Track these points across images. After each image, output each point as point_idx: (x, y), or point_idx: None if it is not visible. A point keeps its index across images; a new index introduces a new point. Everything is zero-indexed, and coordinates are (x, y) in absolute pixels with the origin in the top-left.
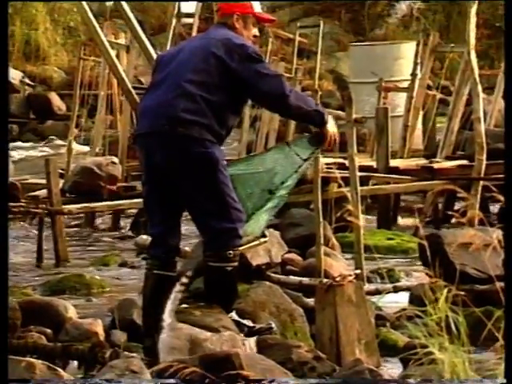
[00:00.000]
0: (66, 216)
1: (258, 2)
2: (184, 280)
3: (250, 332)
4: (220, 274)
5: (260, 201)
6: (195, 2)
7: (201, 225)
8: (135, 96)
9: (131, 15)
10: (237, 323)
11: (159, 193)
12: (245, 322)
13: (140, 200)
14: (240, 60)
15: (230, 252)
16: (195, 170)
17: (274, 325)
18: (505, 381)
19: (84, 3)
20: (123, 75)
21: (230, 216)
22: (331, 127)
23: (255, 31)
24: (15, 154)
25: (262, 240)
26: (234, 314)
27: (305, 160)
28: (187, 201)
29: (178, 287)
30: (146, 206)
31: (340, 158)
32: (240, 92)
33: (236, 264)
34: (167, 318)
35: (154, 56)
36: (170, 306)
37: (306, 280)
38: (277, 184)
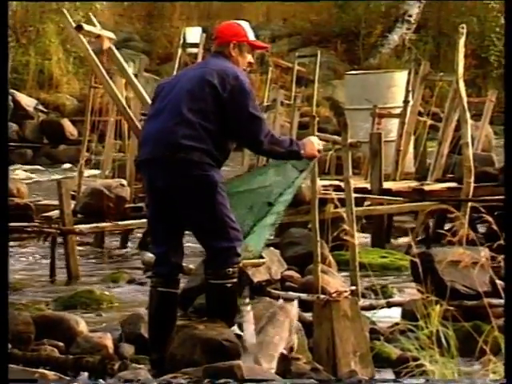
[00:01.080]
0: (77, 236)
1: (251, 30)
2: (246, 300)
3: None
4: (220, 290)
5: (260, 213)
6: (199, 34)
7: (202, 244)
8: (137, 123)
9: (123, 62)
10: (238, 336)
11: (162, 214)
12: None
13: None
14: (231, 90)
15: (229, 269)
16: (195, 192)
17: None
18: (505, 381)
19: (84, 41)
20: (124, 103)
21: (228, 236)
22: (309, 149)
23: (250, 58)
24: (29, 177)
25: (262, 261)
26: (236, 328)
27: (301, 171)
28: (188, 221)
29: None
30: (150, 226)
31: (336, 180)
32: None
33: (235, 280)
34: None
35: (148, 99)
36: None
37: (304, 296)
38: (275, 195)
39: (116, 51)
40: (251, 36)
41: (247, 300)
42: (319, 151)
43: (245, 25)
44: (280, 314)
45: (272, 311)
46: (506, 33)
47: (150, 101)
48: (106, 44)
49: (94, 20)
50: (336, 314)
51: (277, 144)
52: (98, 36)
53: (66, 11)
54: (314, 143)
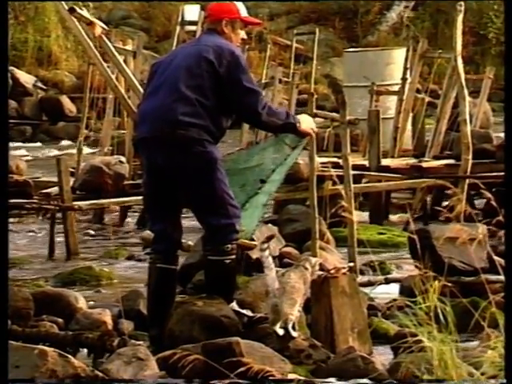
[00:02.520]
0: (76, 212)
1: (243, 7)
2: (264, 246)
3: (249, 322)
4: (219, 266)
5: (253, 190)
6: (198, 11)
7: (200, 220)
8: (129, 102)
9: (114, 51)
10: (237, 313)
11: (160, 192)
12: (244, 311)
13: None
14: (228, 66)
15: (228, 246)
16: (195, 169)
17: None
18: (505, 381)
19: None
20: (115, 83)
21: (227, 212)
22: (306, 125)
23: (243, 34)
24: (28, 154)
25: (253, 243)
26: (234, 304)
27: (293, 148)
28: (187, 198)
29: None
30: (147, 204)
31: (334, 157)
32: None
33: (234, 257)
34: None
35: (140, 89)
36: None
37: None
38: (268, 172)
39: (107, 41)
40: (243, 12)
41: (265, 245)
42: (314, 130)
43: (236, 1)
44: (305, 263)
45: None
46: (506, 33)
47: (141, 89)
48: (98, 31)
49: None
50: (334, 291)
51: (274, 115)
52: (90, 23)
53: None
54: (311, 120)
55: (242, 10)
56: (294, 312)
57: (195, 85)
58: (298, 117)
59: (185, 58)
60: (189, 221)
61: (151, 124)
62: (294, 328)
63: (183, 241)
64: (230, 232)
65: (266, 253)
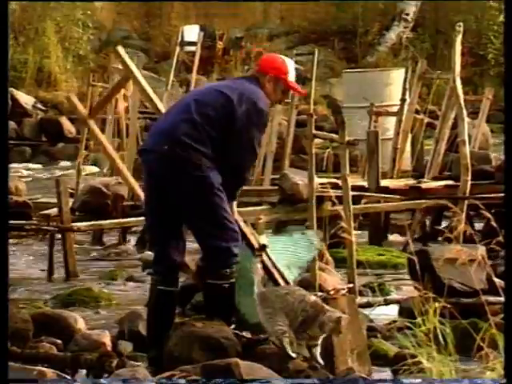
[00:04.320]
0: (75, 233)
1: (294, 70)
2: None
3: (249, 343)
4: (218, 290)
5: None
6: (197, 32)
7: (199, 242)
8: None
9: (130, 63)
10: (236, 335)
11: (159, 210)
12: (244, 333)
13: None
14: (247, 113)
15: (227, 270)
16: (191, 192)
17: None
18: (505, 381)
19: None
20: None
21: (225, 236)
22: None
23: (283, 97)
24: (28, 175)
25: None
26: (233, 326)
27: None
28: (185, 219)
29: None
30: (148, 222)
31: (333, 178)
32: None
33: (233, 281)
34: (255, 290)
35: (160, 106)
36: (255, 278)
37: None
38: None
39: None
40: (291, 76)
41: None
42: None
43: (289, 63)
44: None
45: None
46: (505, 34)
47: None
48: None
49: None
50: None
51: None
52: None
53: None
54: None
55: (291, 74)
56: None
57: (206, 113)
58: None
59: (209, 89)
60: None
61: (155, 138)
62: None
63: None
64: (228, 256)
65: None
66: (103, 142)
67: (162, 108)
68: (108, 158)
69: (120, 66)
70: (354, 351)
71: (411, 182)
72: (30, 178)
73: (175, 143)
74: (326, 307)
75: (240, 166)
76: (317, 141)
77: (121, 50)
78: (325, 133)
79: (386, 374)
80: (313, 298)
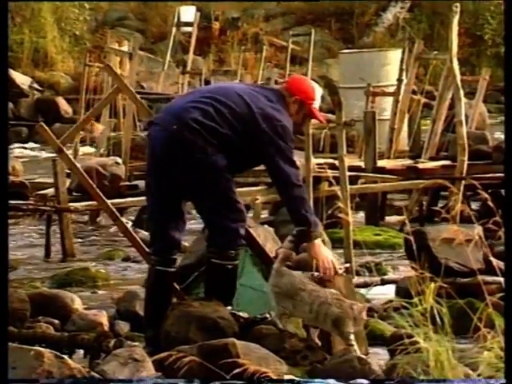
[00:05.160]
0: (72, 213)
1: (320, 98)
2: (290, 238)
3: (245, 323)
4: (221, 270)
5: None
6: (193, 13)
7: (206, 221)
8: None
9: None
10: (233, 314)
11: (159, 187)
12: (241, 313)
13: (142, 198)
14: (274, 130)
15: (232, 252)
16: (197, 175)
17: (268, 315)
18: (505, 381)
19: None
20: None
21: (232, 217)
22: (322, 251)
23: (303, 120)
24: (25, 155)
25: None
26: (230, 307)
27: None
28: (192, 200)
29: (287, 243)
30: (148, 201)
31: (330, 158)
32: (252, 153)
33: (237, 262)
34: (276, 264)
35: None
36: (280, 255)
37: (298, 273)
38: None
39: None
40: (316, 104)
41: None
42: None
43: (318, 91)
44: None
45: None
46: (506, 32)
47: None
48: None
49: None
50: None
51: (306, 204)
52: None
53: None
54: (328, 251)
55: (317, 102)
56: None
57: (223, 113)
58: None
59: (231, 91)
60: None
61: (166, 115)
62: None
63: None
64: (234, 237)
65: None
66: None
67: (154, 115)
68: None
69: (117, 46)
70: None
71: (408, 162)
72: (26, 159)
73: (184, 125)
74: (346, 300)
75: (287, 180)
76: (313, 121)
77: (111, 66)
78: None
79: (382, 353)
80: (333, 296)
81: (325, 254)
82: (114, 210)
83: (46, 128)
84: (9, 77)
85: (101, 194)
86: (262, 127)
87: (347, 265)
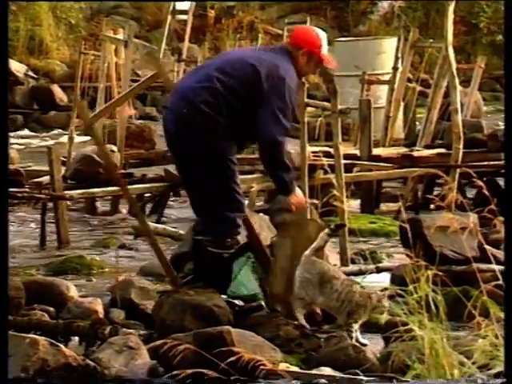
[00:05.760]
0: (67, 201)
1: (326, 43)
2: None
3: (241, 311)
4: (216, 259)
5: None
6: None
7: (205, 208)
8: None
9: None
10: (229, 302)
11: (179, 169)
12: (236, 301)
13: (137, 186)
14: (272, 85)
15: (229, 240)
16: (203, 159)
17: (263, 303)
18: (505, 380)
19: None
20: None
21: (232, 206)
22: (295, 199)
23: (315, 70)
24: (20, 143)
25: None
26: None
27: None
28: (196, 183)
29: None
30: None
31: (326, 146)
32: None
33: (232, 251)
34: (307, 251)
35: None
36: (313, 244)
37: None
38: None
39: None
40: (324, 49)
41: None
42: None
43: (323, 36)
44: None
45: None
46: (506, 32)
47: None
48: None
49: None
50: (298, 234)
51: (288, 167)
52: None
53: None
54: (302, 196)
55: (324, 47)
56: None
57: (230, 85)
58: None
59: (237, 58)
60: (180, 210)
61: (176, 99)
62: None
63: (174, 229)
64: (232, 226)
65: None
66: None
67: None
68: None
69: (112, 34)
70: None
71: (403, 150)
72: (22, 146)
73: (194, 109)
74: (365, 291)
75: (267, 139)
76: (309, 109)
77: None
78: (317, 101)
79: (377, 340)
80: (358, 286)
81: (298, 198)
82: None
83: (84, 105)
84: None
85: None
86: (264, 86)
87: (315, 201)
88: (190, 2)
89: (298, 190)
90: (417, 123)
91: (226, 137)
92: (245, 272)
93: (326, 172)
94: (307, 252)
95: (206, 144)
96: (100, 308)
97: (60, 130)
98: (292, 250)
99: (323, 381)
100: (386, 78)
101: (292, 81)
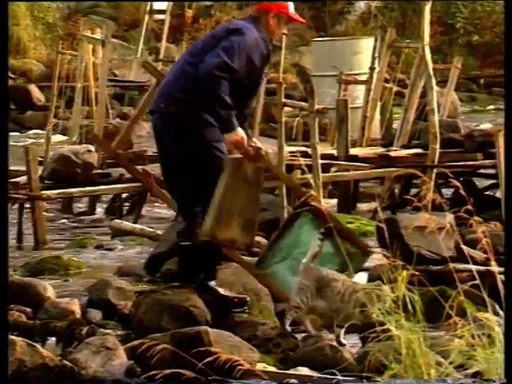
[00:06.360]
0: (44, 201)
1: (292, 3)
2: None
3: (224, 301)
4: (207, 247)
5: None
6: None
7: (190, 209)
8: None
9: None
10: (213, 290)
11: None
12: (220, 290)
13: (114, 186)
14: (226, 37)
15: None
16: (187, 149)
17: (247, 297)
18: (505, 380)
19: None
20: None
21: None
22: (234, 137)
23: (285, 30)
24: None
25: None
26: (213, 283)
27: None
28: (180, 181)
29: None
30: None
31: (303, 146)
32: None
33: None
34: (305, 260)
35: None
36: (310, 251)
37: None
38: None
39: None
40: (291, 9)
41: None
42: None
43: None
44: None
45: None
46: (506, 32)
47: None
48: None
49: None
50: (234, 172)
51: (225, 101)
52: None
53: None
54: (243, 137)
55: (291, 7)
56: None
57: (195, 62)
58: (239, 129)
59: (206, 36)
60: (157, 210)
61: (156, 99)
62: None
63: (151, 230)
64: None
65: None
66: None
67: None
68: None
69: (89, 34)
70: (241, 216)
71: (380, 150)
72: None
73: (170, 100)
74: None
75: (202, 71)
76: (286, 109)
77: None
78: (294, 101)
79: (354, 340)
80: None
81: (236, 137)
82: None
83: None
84: None
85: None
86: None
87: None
88: (167, 2)
89: (239, 130)
90: (394, 123)
91: (206, 118)
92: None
93: (303, 172)
94: (306, 259)
95: (186, 134)
96: (77, 308)
97: (37, 130)
98: (225, 188)
99: (293, 381)
100: (363, 78)
101: (250, 39)
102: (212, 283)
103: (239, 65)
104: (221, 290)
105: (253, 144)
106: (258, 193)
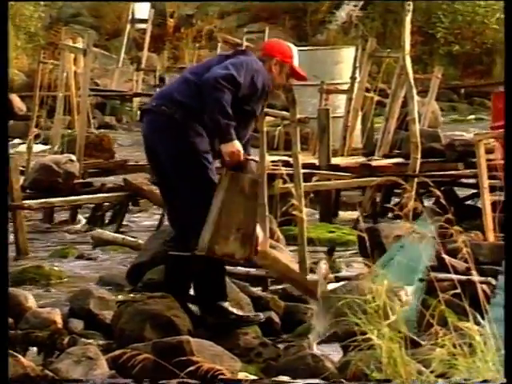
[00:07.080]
0: (26, 211)
1: (297, 56)
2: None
3: (238, 320)
4: (187, 263)
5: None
6: (148, 9)
7: (180, 217)
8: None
9: None
10: (225, 309)
11: (155, 170)
12: (234, 310)
13: (97, 196)
14: (233, 54)
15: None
16: (175, 159)
17: (261, 315)
18: (505, 380)
19: None
20: None
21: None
22: (230, 149)
23: (286, 82)
24: None
25: None
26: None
27: None
28: (170, 188)
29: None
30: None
31: (285, 155)
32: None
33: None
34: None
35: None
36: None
37: (252, 270)
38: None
39: None
40: (295, 62)
41: None
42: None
43: (294, 49)
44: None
45: None
46: (506, 32)
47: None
48: None
49: None
50: (231, 186)
51: (225, 110)
52: None
53: None
54: (239, 148)
55: (295, 59)
56: None
57: (200, 73)
58: (236, 141)
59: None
60: (139, 219)
61: (153, 98)
62: None
63: (133, 239)
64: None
65: None
66: None
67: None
68: None
69: (71, 43)
70: (240, 231)
71: (362, 159)
72: None
73: (168, 101)
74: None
75: (207, 78)
76: (268, 119)
77: None
78: (276, 111)
79: (335, 349)
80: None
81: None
82: None
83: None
84: None
85: None
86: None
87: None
88: (148, 11)
89: (236, 143)
90: (375, 133)
91: (200, 128)
92: None
93: (285, 181)
94: (320, 290)
95: (178, 139)
96: (58, 318)
97: (18, 140)
98: (222, 202)
99: None
100: (345, 87)
101: (257, 63)
102: (225, 304)
103: (243, 83)
104: (234, 311)
105: (249, 157)
106: (256, 206)
